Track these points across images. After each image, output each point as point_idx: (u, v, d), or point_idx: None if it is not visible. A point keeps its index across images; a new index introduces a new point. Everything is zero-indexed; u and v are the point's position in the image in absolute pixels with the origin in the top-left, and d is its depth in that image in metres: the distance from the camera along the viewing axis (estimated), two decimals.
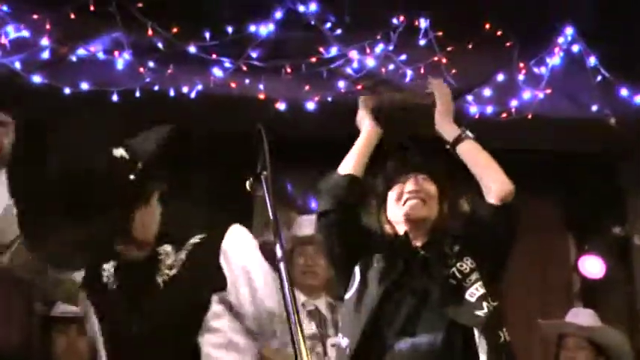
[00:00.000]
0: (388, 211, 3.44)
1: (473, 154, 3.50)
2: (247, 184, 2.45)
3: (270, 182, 2.41)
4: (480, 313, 3.17)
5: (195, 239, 2.64)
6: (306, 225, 4.96)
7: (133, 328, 2.53)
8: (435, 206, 3.45)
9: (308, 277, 4.82)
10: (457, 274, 3.28)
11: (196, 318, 2.57)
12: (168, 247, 2.62)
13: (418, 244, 3.37)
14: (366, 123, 3.68)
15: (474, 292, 3.24)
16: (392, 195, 3.43)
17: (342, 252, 3.39)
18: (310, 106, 5.29)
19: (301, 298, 4.78)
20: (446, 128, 3.60)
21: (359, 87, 5.34)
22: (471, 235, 3.36)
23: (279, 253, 2.29)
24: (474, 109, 5.47)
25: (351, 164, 3.54)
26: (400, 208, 3.38)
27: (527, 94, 5.50)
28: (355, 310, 3.26)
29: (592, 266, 6.55)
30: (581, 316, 5.05)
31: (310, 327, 4.63)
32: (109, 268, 2.64)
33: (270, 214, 2.36)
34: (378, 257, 3.32)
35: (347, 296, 3.36)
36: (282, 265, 2.27)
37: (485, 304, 3.18)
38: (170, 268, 2.60)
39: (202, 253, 2.63)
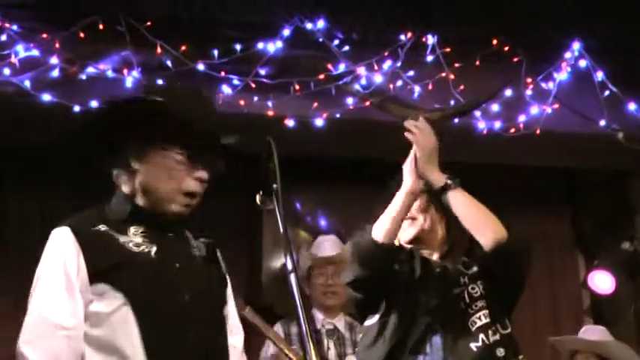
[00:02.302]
0: None
1: (460, 205, 3.33)
2: (257, 198, 2.46)
3: (280, 196, 2.41)
4: (473, 346, 3.18)
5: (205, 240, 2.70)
6: (326, 246, 5.01)
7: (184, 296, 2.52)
8: (427, 218, 3.43)
9: (328, 297, 4.85)
10: (466, 298, 3.29)
11: (223, 293, 2.66)
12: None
13: (434, 257, 3.38)
14: (409, 179, 3.39)
15: (477, 320, 3.25)
16: None
17: (373, 301, 3.38)
18: (319, 122, 5.29)
19: (320, 317, 4.80)
20: (430, 176, 3.37)
21: (367, 103, 5.35)
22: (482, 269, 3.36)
23: (289, 265, 2.31)
24: (481, 125, 5.48)
25: (386, 228, 3.33)
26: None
27: (534, 110, 5.50)
28: (375, 340, 3.27)
29: (602, 282, 6.55)
30: (593, 333, 5.05)
31: (329, 346, 4.64)
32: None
33: (281, 227, 2.38)
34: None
35: (368, 323, 3.38)
36: (292, 277, 2.29)
37: (481, 336, 3.20)
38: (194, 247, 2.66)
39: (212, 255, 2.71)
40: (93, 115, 2.76)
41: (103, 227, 2.54)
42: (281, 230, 2.38)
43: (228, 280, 2.70)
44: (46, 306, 2.44)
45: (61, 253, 2.50)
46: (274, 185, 2.42)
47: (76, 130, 2.78)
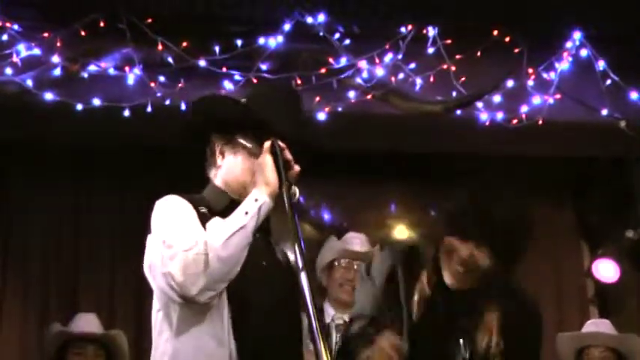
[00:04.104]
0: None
1: None
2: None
3: (291, 194, 2.52)
4: None
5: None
6: (357, 242, 5.02)
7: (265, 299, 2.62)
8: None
9: (344, 290, 4.84)
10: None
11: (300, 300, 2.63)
12: None
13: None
14: None
15: None
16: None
17: None
18: (321, 116, 5.29)
19: (331, 312, 4.80)
20: None
21: (369, 97, 5.35)
22: None
23: (300, 263, 2.33)
24: (484, 116, 5.48)
25: None
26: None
27: (537, 100, 5.49)
28: None
29: (606, 270, 6.55)
30: (602, 326, 5.06)
31: (337, 340, 4.65)
32: None
33: (290, 224, 2.43)
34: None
35: None
36: (303, 275, 2.31)
37: None
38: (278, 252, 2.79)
39: None
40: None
41: (203, 209, 2.65)
42: (290, 227, 2.43)
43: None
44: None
45: (185, 206, 2.62)
46: (285, 184, 2.52)
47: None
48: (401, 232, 7.06)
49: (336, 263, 4.99)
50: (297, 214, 2.48)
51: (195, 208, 2.63)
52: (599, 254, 6.66)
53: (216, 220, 2.54)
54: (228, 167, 2.75)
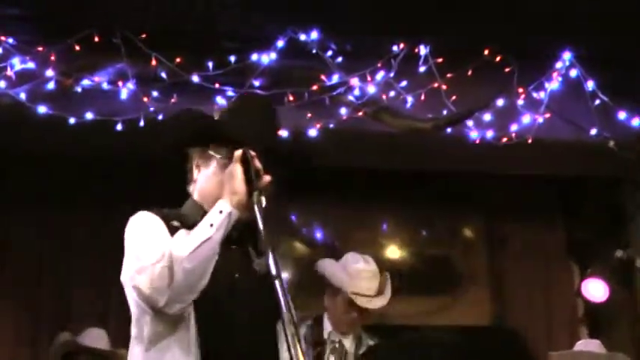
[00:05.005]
0: None
1: None
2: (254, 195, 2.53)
3: (259, 203, 2.50)
4: None
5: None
6: (377, 302, 4.73)
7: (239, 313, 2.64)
8: None
9: (342, 322, 4.64)
10: None
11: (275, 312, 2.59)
12: None
13: None
14: None
15: None
16: None
17: None
18: (312, 133, 5.32)
19: (328, 327, 4.71)
20: None
21: (361, 114, 5.38)
22: None
23: (273, 269, 2.36)
24: (474, 134, 5.52)
25: None
26: None
27: (526, 119, 5.53)
28: None
29: (595, 290, 6.58)
30: (592, 345, 5.07)
31: (329, 358, 4.62)
32: None
33: (262, 229, 2.44)
34: None
35: None
36: (277, 283, 2.33)
37: None
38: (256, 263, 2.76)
39: None
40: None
41: (176, 223, 2.67)
42: (262, 233, 2.44)
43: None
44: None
45: (155, 221, 2.65)
46: (255, 193, 2.51)
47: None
48: (392, 251, 7.09)
49: (346, 296, 4.66)
50: (267, 222, 2.47)
51: (167, 222, 2.65)
52: (589, 274, 6.68)
53: (181, 233, 2.56)
54: (202, 181, 2.79)
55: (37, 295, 6.12)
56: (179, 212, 2.77)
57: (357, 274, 4.70)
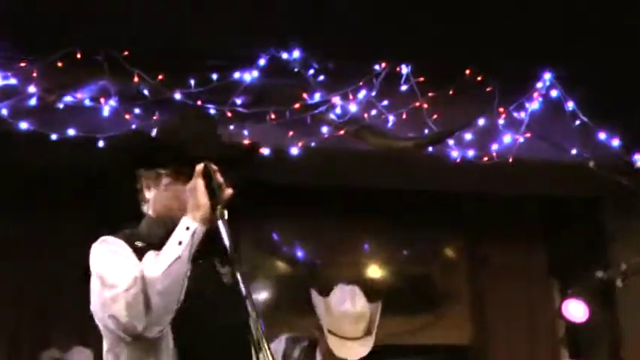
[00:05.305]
0: None
1: None
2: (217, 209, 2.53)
3: (222, 216, 2.51)
4: None
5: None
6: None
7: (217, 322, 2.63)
8: None
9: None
10: None
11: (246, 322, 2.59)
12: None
13: None
14: None
15: None
16: None
17: None
18: (294, 151, 5.34)
19: (319, 357, 4.54)
20: None
21: (342, 132, 5.40)
22: None
23: (243, 291, 2.40)
24: (455, 153, 5.55)
25: None
26: None
27: (507, 138, 5.57)
28: None
29: (576, 310, 6.58)
30: None
31: None
32: None
33: (227, 244, 2.46)
34: None
35: None
36: (248, 303, 2.37)
37: None
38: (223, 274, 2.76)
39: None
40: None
41: (140, 244, 2.64)
42: (228, 248, 2.45)
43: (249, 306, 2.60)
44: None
45: (119, 245, 2.61)
46: (219, 207, 2.51)
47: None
48: (374, 270, 7.09)
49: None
50: (232, 235, 2.48)
51: (131, 244, 2.62)
52: (570, 294, 6.69)
53: (150, 255, 2.53)
54: (155, 199, 2.76)
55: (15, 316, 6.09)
56: (139, 232, 2.74)
57: (341, 317, 4.35)
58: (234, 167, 2.69)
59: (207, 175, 2.54)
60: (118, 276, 2.48)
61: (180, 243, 2.49)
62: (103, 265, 2.56)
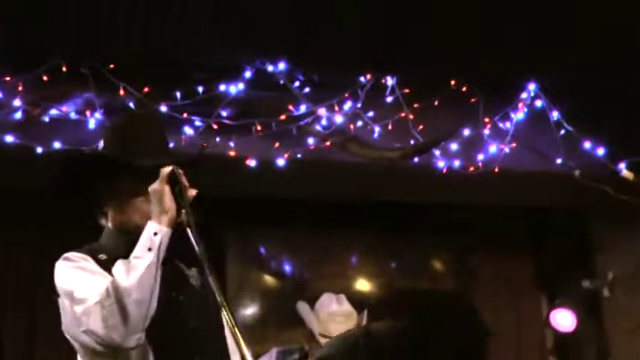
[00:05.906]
0: None
1: None
2: (182, 214, 2.54)
3: (189, 219, 2.52)
4: None
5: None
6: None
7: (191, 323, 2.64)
8: None
9: None
10: None
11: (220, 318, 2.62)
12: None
13: None
14: None
15: None
16: None
17: None
18: (280, 163, 5.34)
19: None
20: None
21: (328, 144, 5.41)
22: None
23: (218, 297, 2.38)
24: (441, 164, 5.56)
25: None
26: None
27: (493, 148, 5.59)
28: None
29: (563, 320, 6.61)
30: None
31: None
32: None
33: (197, 249, 2.45)
34: None
35: None
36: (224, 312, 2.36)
37: None
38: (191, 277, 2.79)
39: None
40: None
41: (103, 256, 2.64)
42: (197, 252, 2.44)
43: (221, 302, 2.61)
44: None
45: (84, 259, 2.60)
46: (183, 211, 2.52)
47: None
48: (361, 283, 7.08)
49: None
50: (200, 238, 2.48)
51: (94, 257, 2.61)
52: (557, 304, 6.72)
53: (119, 265, 2.51)
54: (115, 210, 2.75)
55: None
56: (101, 245, 2.73)
57: (329, 318, 4.54)
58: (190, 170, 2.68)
59: (172, 179, 2.55)
60: (87, 290, 2.47)
61: (150, 249, 2.48)
62: (69, 281, 2.55)
